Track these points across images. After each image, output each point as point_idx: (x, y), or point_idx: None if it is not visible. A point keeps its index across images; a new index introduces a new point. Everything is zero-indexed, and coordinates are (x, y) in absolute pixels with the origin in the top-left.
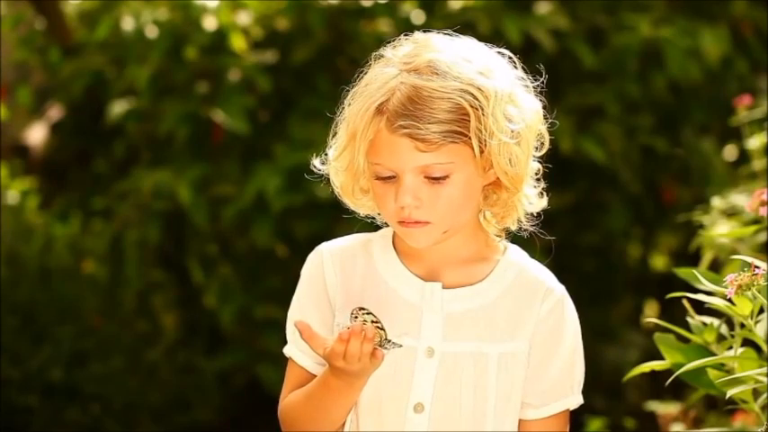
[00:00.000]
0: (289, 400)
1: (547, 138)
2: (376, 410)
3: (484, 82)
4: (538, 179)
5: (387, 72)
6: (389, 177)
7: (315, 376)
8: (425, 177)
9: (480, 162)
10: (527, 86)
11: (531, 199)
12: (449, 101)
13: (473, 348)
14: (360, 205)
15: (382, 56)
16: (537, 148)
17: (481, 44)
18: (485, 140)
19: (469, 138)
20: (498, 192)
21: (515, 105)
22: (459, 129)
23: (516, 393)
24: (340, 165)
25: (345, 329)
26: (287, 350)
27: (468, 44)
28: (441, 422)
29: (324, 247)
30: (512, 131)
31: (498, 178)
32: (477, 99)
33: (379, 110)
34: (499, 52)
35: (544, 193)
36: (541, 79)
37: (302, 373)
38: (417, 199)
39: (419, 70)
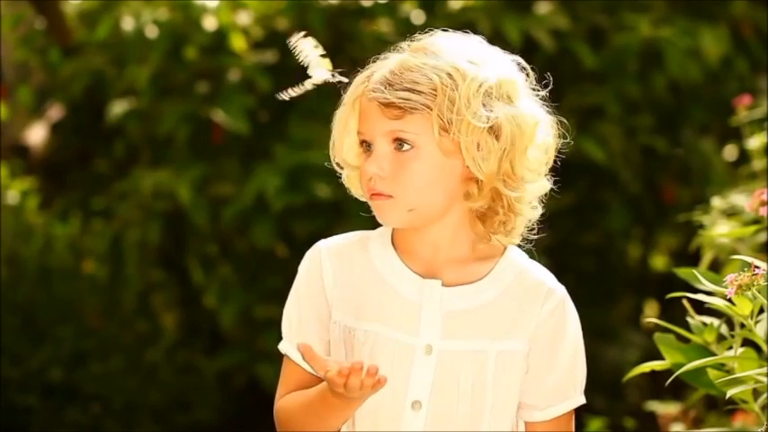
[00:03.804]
0: (286, 403)
1: (552, 152)
2: (373, 408)
3: (466, 66)
4: (539, 202)
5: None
6: (368, 148)
7: (310, 374)
8: (395, 149)
9: (445, 142)
10: (536, 98)
11: (527, 216)
12: (423, 75)
13: (471, 346)
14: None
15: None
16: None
17: (499, 50)
18: (451, 119)
19: (432, 110)
20: (481, 190)
21: (505, 102)
22: (424, 100)
23: (513, 392)
24: (337, 134)
25: (346, 366)
26: (282, 347)
27: (481, 45)
28: (438, 420)
29: (322, 245)
30: (488, 118)
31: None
32: (452, 78)
33: (367, 78)
34: (518, 63)
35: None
36: (541, 85)
37: (298, 370)
38: (382, 169)
39: (414, 49)
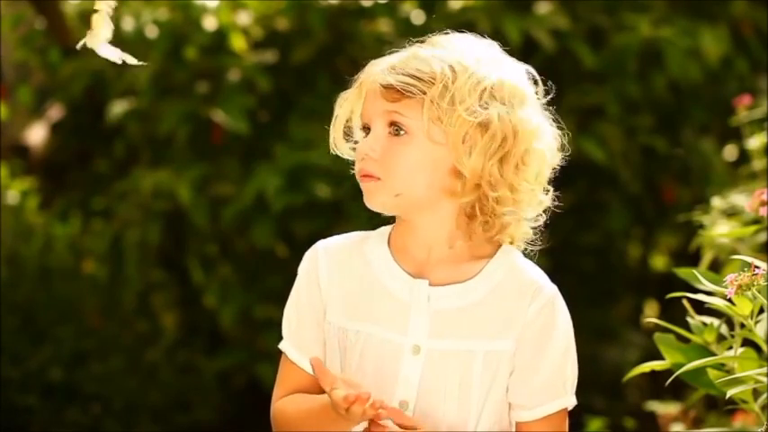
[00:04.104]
0: (285, 407)
1: (550, 166)
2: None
3: (471, 62)
4: (537, 220)
5: None
6: (367, 134)
7: (309, 375)
8: (390, 133)
9: (435, 131)
10: (545, 111)
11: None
12: (427, 64)
13: (459, 346)
14: None
15: None
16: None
17: (515, 60)
18: (443, 109)
19: (428, 99)
20: (464, 186)
21: (506, 105)
22: (421, 86)
23: (497, 390)
24: (341, 112)
25: (353, 393)
26: (282, 345)
27: (497, 50)
28: (424, 420)
29: (320, 245)
30: (479, 114)
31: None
32: (453, 70)
33: (376, 64)
34: (531, 75)
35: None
36: (543, 89)
37: (296, 370)
38: (373, 150)
39: (429, 43)
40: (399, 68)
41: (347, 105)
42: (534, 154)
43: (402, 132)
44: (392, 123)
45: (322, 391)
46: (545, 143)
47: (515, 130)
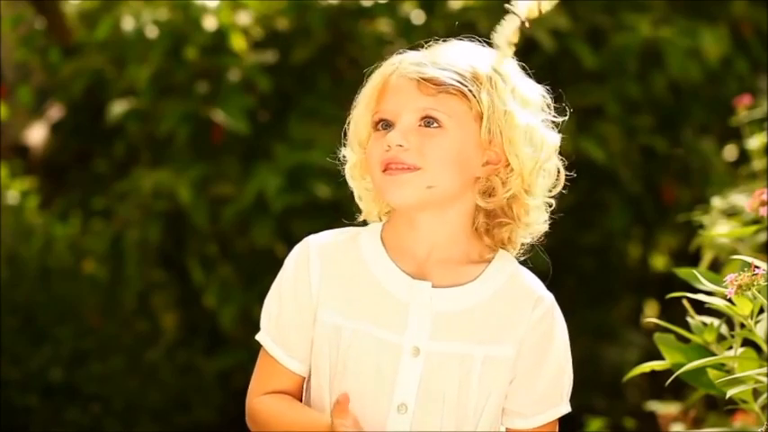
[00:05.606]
0: (267, 409)
1: (562, 176)
2: (359, 410)
3: (506, 70)
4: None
5: None
6: (386, 127)
7: (286, 368)
8: (420, 126)
9: (480, 130)
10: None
11: (532, 228)
12: (465, 61)
13: (459, 349)
14: (364, 187)
15: None
16: (550, 189)
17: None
18: (494, 110)
19: (473, 95)
20: (505, 188)
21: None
22: (465, 83)
23: (496, 395)
24: (359, 113)
25: None
26: (260, 337)
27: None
28: (423, 422)
29: (311, 240)
30: (528, 118)
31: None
32: (499, 74)
33: (399, 60)
34: (542, 94)
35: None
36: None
37: (276, 366)
38: (407, 140)
39: (445, 45)
40: (437, 64)
41: (363, 105)
42: (554, 168)
43: (435, 125)
44: (426, 117)
45: (300, 394)
46: (556, 160)
47: (543, 142)
